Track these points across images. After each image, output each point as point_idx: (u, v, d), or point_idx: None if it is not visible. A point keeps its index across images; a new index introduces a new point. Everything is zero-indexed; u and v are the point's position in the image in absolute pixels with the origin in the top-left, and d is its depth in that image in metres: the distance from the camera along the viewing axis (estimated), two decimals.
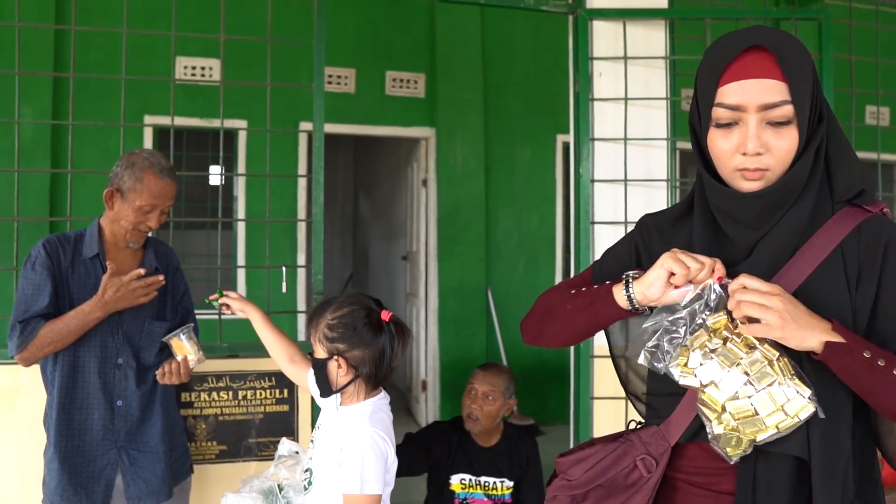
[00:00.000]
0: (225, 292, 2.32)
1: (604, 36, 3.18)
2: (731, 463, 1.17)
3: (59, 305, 2.19)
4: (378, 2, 5.64)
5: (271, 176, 3.75)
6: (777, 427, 1.13)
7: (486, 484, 3.15)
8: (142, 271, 2.19)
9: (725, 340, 1.16)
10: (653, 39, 3.20)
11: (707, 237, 1.27)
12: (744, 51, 1.17)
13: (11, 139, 4.55)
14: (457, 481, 3.15)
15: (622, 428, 1.42)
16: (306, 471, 1.94)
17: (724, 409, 1.15)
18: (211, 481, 2.71)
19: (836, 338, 1.12)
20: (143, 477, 2.25)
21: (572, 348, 3.28)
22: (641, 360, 1.22)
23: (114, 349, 2.24)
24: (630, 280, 1.27)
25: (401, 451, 3.09)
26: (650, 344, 1.22)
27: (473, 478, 3.15)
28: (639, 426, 1.39)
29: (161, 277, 2.24)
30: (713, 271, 1.19)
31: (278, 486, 1.98)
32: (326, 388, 1.89)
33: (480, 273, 5.83)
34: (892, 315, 1.18)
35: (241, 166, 5.26)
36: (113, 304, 2.14)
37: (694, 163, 1.32)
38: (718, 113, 1.19)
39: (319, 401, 2.02)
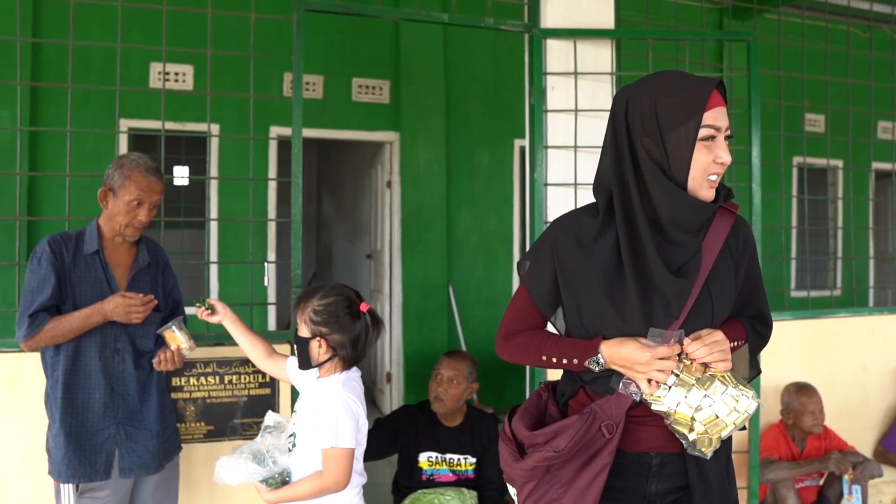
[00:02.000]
0: (208, 300, 2.56)
1: (556, 53, 3.48)
2: (708, 458, 1.53)
3: (62, 297, 2.43)
4: None
5: (252, 179, 3.96)
6: (734, 423, 1.49)
7: (451, 460, 3.43)
8: (143, 296, 2.44)
9: (678, 375, 1.50)
10: (600, 56, 3.52)
11: (659, 246, 1.53)
12: (715, 86, 1.52)
13: None
14: (424, 459, 3.42)
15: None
16: (291, 435, 2.24)
17: (693, 419, 1.48)
18: (200, 459, 2.95)
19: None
20: (137, 451, 2.48)
21: None
22: (621, 388, 1.54)
23: (112, 336, 2.48)
24: (598, 368, 1.56)
25: (371, 436, 3.38)
26: (626, 379, 1.54)
27: (439, 455, 3.42)
28: (547, 385, 1.75)
29: (154, 301, 2.48)
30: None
31: (265, 449, 2.23)
32: (306, 362, 2.20)
33: (442, 270, 6.11)
34: (747, 287, 1.69)
35: (214, 168, 5.46)
36: (109, 315, 2.41)
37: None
38: (706, 133, 1.51)
39: (297, 377, 2.33)
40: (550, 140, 3.44)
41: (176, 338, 2.51)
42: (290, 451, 2.23)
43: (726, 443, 1.62)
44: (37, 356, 2.56)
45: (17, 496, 2.75)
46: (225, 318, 2.55)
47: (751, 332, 1.67)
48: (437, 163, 6.09)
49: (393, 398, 6.05)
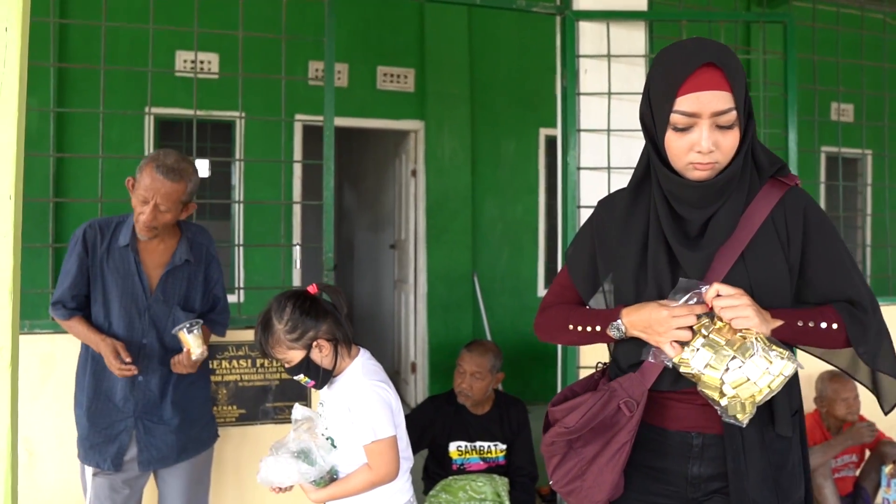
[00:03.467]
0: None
1: (589, 35, 3.44)
2: (744, 426, 1.42)
3: (92, 286, 2.40)
4: (370, 0, 5.86)
5: (282, 162, 3.95)
6: (769, 386, 1.38)
7: (482, 448, 3.40)
8: (127, 365, 2.33)
9: (706, 336, 1.41)
10: (634, 39, 3.47)
11: (669, 219, 1.51)
12: (699, 66, 1.40)
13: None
14: (454, 448, 3.40)
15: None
16: (328, 438, 2.12)
17: (722, 382, 1.40)
18: (232, 442, 2.94)
19: (777, 322, 1.43)
20: (155, 445, 2.44)
21: None
22: (651, 357, 1.47)
23: (140, 329, 2.43)
24: (619, 335, 1.52)
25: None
26: (655, 348, 1.47)
27: (469, 444, 3.40)
28: (604, 366, 1.69)
29: (133, 370, 2.34)
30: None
31: (314, 448, 2.10)
32: (325, 375, 2.07)
33: (467, 260, 6.08)
34: (821, 267, 1.51)
35: (239, 156, 5.46)
36: (101, 353, 2.36)
37: None
38: (676, 119, 1.42)
39: (323, 391, 2.16)
40: (583, 124, 3.40)
41: (186, 341, 2.39)
42: (330, 450, 2.12)
43: (787, 443, 1.53)
44: (69, 338, 2.55)
45: (50, 474, 2.76)
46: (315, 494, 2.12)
47: (847, 318, 1.48)
48: (463, 151, 6.06)
49: (418, 388, 6.03)
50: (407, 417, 3.43)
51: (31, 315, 3.02)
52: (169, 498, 2.53)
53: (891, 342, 1.51)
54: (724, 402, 1.41)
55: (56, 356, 2.77)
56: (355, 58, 5.83)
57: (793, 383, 1.53)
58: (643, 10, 3.49)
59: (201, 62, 5.41)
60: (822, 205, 7.07)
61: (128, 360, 2.34)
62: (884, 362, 1.50)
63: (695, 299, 1.43)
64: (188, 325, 2.38)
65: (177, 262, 2.48)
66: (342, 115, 5.76)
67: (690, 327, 1.42)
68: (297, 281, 5.34)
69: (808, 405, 3.73)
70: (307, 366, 2.03)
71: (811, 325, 1.46)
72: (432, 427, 3.39)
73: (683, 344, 1.43)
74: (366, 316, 8.29)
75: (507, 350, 5.84)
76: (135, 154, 5.04)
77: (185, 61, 5.36)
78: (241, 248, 5.42)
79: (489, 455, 3.39)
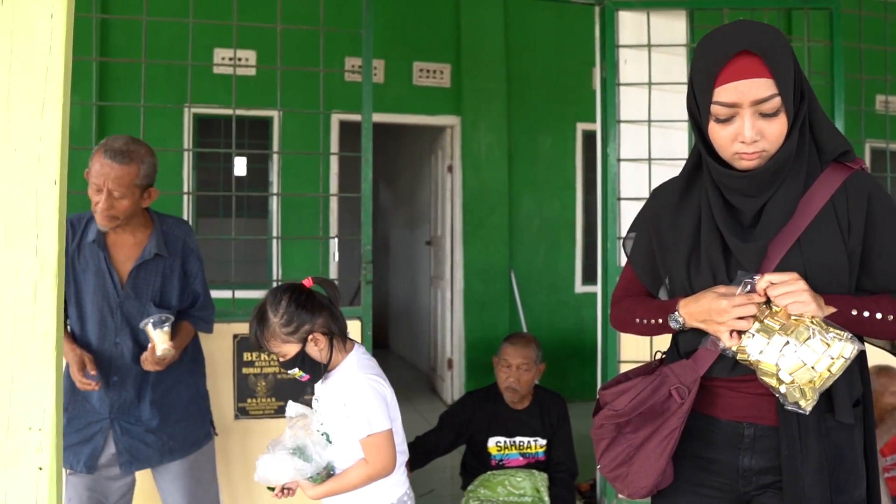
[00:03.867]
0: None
1: (628, 25, 3.39)
2: (807, 413, 1.36)
3: (66, 288, 2.25)
4: None
5: (321, 154, 3.95)
6: (829, 370, 1.33)
7: (521, 444, 3.37)
8: (91, 381, 2.23)
9: (762, 322, 1.37)
10: (674, 28, 3.41)
11: (721, 209, 1.47)
12: (735, 54, 1.35)
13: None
14: (493, 444, 3.36)
15: None
16: (323, 434, 2.09)
17: (778, 369, 1.35)
18: (271, 435, 2.94)
19: (830, 309, 1.37)
20: (134, 446, 2.33)
21: (599, 317, 3.51)
22: (710, 346, 1.45)
23: (112, 328, 2.32)
24: (680, 327, 1.50)
25: (438, 435, 3.34)
26: (713, 337, 1.44)
27: (508, 439, 3.36)
28: (664, 355, 1.64)
29: (94, 386, 2.24)
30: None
31: (309, 445, 2.08)
32: (320, 369, 2.04)
33: (504, 256, 6.05)
34: (882, 254, 1.43)
35: (276, 155, 5.50)
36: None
37: None
38: (717, 110, 1.39)
39: (317, 387, 2.14)
40: (622, 115, 3.35)
41: (152, 336, 2.25)
42: (328, 445, 2.11)
43: (848, 435, 1.46)
44: None
45: None
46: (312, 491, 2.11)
47: None
48: (499, 147, 6.03)
49: (454, 385, 6.01)
50: (446, 414, 3.45)
51: None
52: (169, 500, 2.45)
53: None
54: (782, 388, 1.36)
55: None
56: (391, 54, 5.84)
57: (856, 370, 1.47)
58: None
59: (240, 59, 5.46)
60: None
61: (93, 372, 2.24)
62: None
63: (749, 287, 1.39)
64: (154, 320, 2.26)
65: (147, 256, 2.35)
66: (378, 111, 5.73)
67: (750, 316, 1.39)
68: (333, 275, 5.36)
69: None
70: (302, 360, 2.01)
71: (866, 314, 1.41)
72: (471, 423, 3.37)
73: (741, 333, 1.39)
74: (401, 313, 8.31)
75: (545, 346, 5.75)
76: (174, 149, 5.09)
77: (223, 58, 5.41)
78: (279, 244, 5.46)
79: (528, 450, 3.36)
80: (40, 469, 1.31)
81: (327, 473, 2.06)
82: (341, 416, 2.03)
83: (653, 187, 3.25)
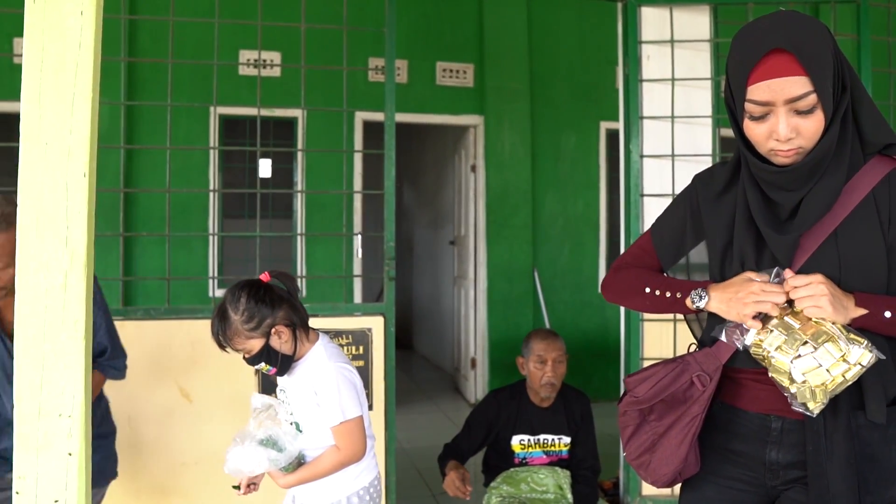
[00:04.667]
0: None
1: (651, 21, 3.38)
2: (815, 416, 1.34)
3: None
4: None
5: (344, 151, 3.99)
6: (843, 376, 1.31)
7: (545, 442, 3.36)
8: None
9: (782, 318, 1.36)
10: (698, 24, 3.40)
11: (759, 202, 1.45)
12: (767, 52, 1.33)
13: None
14: (517, 442, 3.35)
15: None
16: (293, 424, 2.11)
17: (792, 368, 1.34)
18: None
19: (860, 311, 1.34)
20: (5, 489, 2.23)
21: (623, 316, 3.50)
22: (722, 336, 1.44)
23: (10, 394, 2.17)
24: (700, 305, 1.47)
25: (468, 437, 3.34)
26: (730, 325, 1.44)
27: (532, 437, 3.35)
28: (696, 349, 1.61)
29: None
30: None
31: (279, 435, 2.10)
32: (287, 362, 2.06)
33: (528, 255, 6.05)
34: None
35: (300, 155, 5.54)
36: None
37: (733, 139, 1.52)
38: (751, 108, 1.37)
39: (280, 379, 2.16)
40: (646, 111, 3.35)
41: None
42: (297, 435, 2.13)
43: (882, 434, 1.42)
44: (139, 323, 2.61)
45: (121, 456, 2.83)
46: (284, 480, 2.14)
47: None
48: (522, 146, 6.04)
49: (478, 384, 6.02)
50: (472, 415, 3.44)
51: None
52: None
53: None
54: (793, 388, 1.35)
55: (126, 342, 2.83)
56: (414, 54, 5.87)
57: (890, 367, 1.41)
58: None
59: (265, 60, 5.52)
60: None
61: None
62: None
63: (779, 279, 1.38)
64: None
65: None
66: (401, 111, 5.78)
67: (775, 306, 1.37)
68: (357, 272, 5.40)
69: None
70: (268, 354, 2.03)
71: None
72: (497, 421, 3.37)
73: (764, 323, 1.37)
74: (425, 312, 8.33)
75: (568, 346, 5.72)
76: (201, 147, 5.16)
77: (248, 60, 5.47)
78: (303, 243, 5.51)
79: (552, 448, 3.35)
80: (70, 455, 1.34)
81: (298, 462, 2.09)
82: (312, 404, 2.06)
83: (677, 184, 3.26)
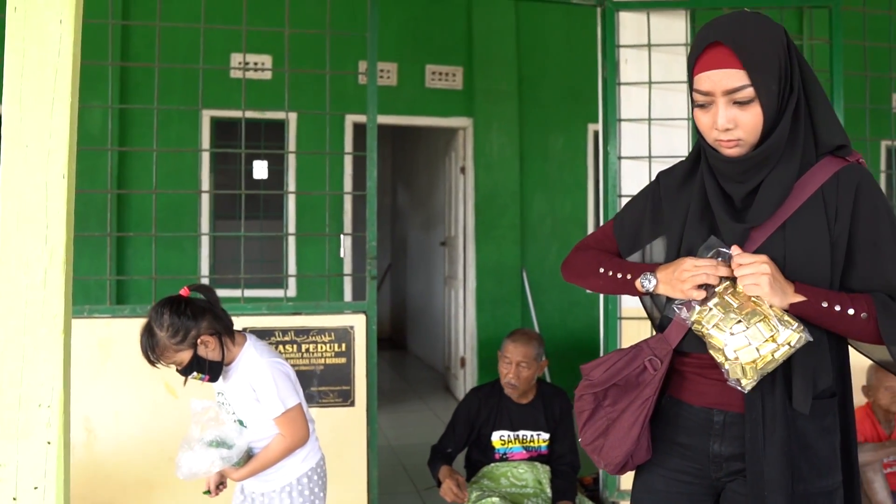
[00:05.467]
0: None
1: (629, 25, 3.46)
2: (746, 391, 1.42)
3: None
4: (418, 0, 5.97)
5: (330, 154, 4.05)
6: (773, 355, 1.38)
7: (524, 437, 3.43)
8: None
9: (722, 297, 1.43)
10: (674, 28, 3.47)
11: (716, 190, 1.52)
12: (709, 45, 1.42)
13: (82, 129, 4.95)
14: (497, 438, 3.42)
15: None
16: (237, 421, 2.22)
17: (725, 345, 1.41)
18: None
19: (798, 297, 1.40)
20: None
21: (602, 311, 3.57)
22: (671, 313, 1.51)
23: None
24: (649, 287, 1.53)
25: (453, 435, 3.40)
26: (679, 303, 1.49)
27: (512, 433, 3.42)
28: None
29: None
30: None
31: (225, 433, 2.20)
32: (217, 368, 2.18)
33: (516, 255, 6.11)
34: (865, 247, 1.44)
35: (292, 157, 5.61)
36: None
37: None
38: (696, 97, 1.47)
39: (216, 384, 2.26)
40: (623, 113, 3.42)
41: None
42: (242, 430, 2.22)
43: (817, 425, 1.47)
44: (126, 322, 2.68)
45: (108, 452, 2.91)
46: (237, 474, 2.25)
47: (881, 310, 1.39)
48: (511, 148, 6.10)
49: (467, 383, 6.08)
50: (455, 412, 3.51)
51: (90, 301, 3.20)
52: None
53: None
54: (727, 365, 1.42)
55: (113, 339, 2.91)
56: (404, 57, 5.94)
57: (827, 362, 1.48)
58: None
59: (255, 63, 5.58)
60: None
61: None
62: None
63: (719, 258, 1.45)
64: None
65: None
66: (392, 113, 5.88)
67: (710, 286, 1.43)
68: (348, 270, 5.46)
69: (859, 398, 3.65)
70: (198, 363, 2.14)
71: (837, 308, 1.40)
72: (478, 418, 3.43)
73: (702, 301, 1.44)
74: (418, 312, 8.39)
75: (556, 345, 5.86)
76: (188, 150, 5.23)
77: (239, 63, 5.53)
78: (292, 242, 5.57)
79: (532, 444, 3.42)
80: (49, 443, 1.39)
81: (248, 455, 2.22)
82: (252, 400, 2.19)
83: None
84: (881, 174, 6.48)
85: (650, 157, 3.34)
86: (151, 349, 2.12)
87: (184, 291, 2.20)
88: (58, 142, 1.48)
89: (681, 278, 1.46)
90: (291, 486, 2.26)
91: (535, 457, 3.40)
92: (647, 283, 1.54)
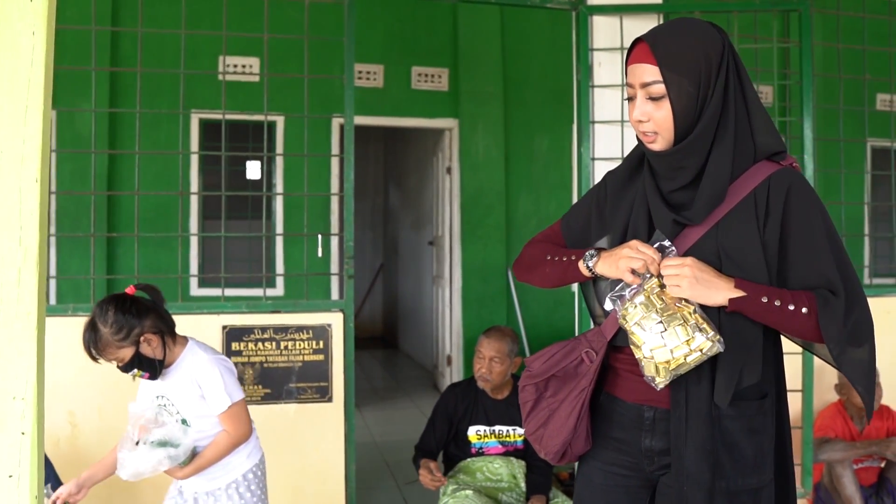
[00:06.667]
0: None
1: (603, 29, 3.53)
2: (658, 388, 1.49)
3: None
4: (405, 3, 6.03)
5: (309, 156, 4.13)
6: (685, 358, 1.45)
7: (500, 432, 3.51)
8: None
9: (649, 296, 1.50)
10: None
11: (653, 187, 1.59)
12: (637, 43, 1.54)
13: (73, 131, 5.04)
14: (473, 432, 3.50)
15: None
16: (180, 420, 2.25)
17: (643, 342, 1.48)
18: (257, 421, 3.12)
19: (738, 293, 1.45)
20: None
21: (577, 311, 3.65)
22: (608, 305, 1.57)
23: None
24: (590, 263, 1.60)
25: (433, 433, 3.48)
26: (613, 294, 1.56)
27: (488, 428, 3.50)
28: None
29: None
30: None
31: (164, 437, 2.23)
32: (157, 366, 2.20)
33: (501, 255, 6.19)
34: (798, 246, 1.50)
35: (279, 159, 5.69)
36: None
37: None
38: (627, 89, 1.57)
39: (148, 388, 2.31)
40: (598, 115, 3.49)
41: None
42: (186, 429, 2.24)
43: (744, 424, 1.52)
44: None
45: (92, 446, 2.98)
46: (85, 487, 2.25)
47: (821, 306, 1.43)
48: (496, 148, 6.18)
49: (453, 381, 6.15)
50: (434, 408, 3.58)
51: (76, 299, 3.27)
52: None
53: (869, 343, 1.46)
54: (643, 362, 1.49)
55: None
56: (390, 59, 6.01)
57: (757, 363, 1.52)
58: (657, 2, 3.56)
59: (244, 66, 5.66)
60: (867, 197, 6.93)
61: None
62: (850, 366, 1.45)
63: (660, 250, 1.52)
64: None
65: None
66: (378, 114, 5.96)
67: (643, 275, 1.50)
68: (334, 269, 5.54)
69: (833, 395, 3.71)
70: (139, 360, 2.16)
71: (777, 303, 1.44)
72: (456, 413, 3.51)
73: (631, 297, 1.51)
74: (408, 312, 8.47)
75: (541, 344, 5.84)
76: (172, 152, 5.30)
77: (227, 65, 5.61)
78: (280, 242, 5.65)
79: (507, 439, 3.49)
80: (23, 434, 1.46)
81: (192, 455, 2.24)
82: (196, 398, 2.24)
83: None
84: (866, 175, 6.55)
85: (623, 158, 3.41)
86: (94, 344, 2.14)
87: (129, 290, 2.23)
88: (31, 148, 1.55)
89: (620, 254, 1.53)
90: (238, 483, 2.31)
91: (510, 451, 3.47)
92: (589, 260, 1.61)
